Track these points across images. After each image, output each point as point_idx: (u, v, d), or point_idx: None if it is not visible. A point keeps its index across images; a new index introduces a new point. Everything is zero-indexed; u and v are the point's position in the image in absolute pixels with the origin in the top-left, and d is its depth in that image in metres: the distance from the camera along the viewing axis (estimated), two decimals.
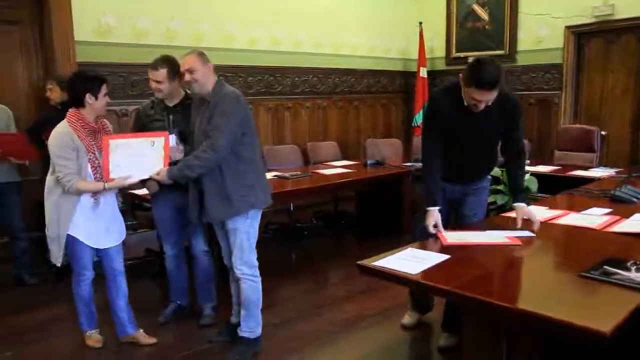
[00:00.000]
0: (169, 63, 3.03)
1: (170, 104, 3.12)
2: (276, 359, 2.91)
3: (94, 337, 3.05)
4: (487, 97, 2.44)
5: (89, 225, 2.80)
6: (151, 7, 4.93)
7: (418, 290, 2.91)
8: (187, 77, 2.70)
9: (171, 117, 3.09)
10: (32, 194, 4.22)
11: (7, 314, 3.48)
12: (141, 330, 3.06)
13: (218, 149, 2.62)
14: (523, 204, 2.64)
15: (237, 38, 5.57)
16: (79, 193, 2.73)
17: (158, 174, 2.77)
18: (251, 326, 2.91)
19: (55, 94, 3.95)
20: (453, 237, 2.42)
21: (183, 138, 3.01)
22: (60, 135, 2.70)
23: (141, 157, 2.78)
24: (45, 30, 4.47)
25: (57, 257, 2.82)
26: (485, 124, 2.60)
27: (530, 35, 6.37)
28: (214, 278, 3.38)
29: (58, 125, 2.75)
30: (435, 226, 2.55)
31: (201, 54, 2.75)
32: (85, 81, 2.76)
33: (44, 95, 4.10)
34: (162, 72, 3.00)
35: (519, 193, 2.72)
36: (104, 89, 2.75)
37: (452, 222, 2.90)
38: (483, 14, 6.73)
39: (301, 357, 2.93)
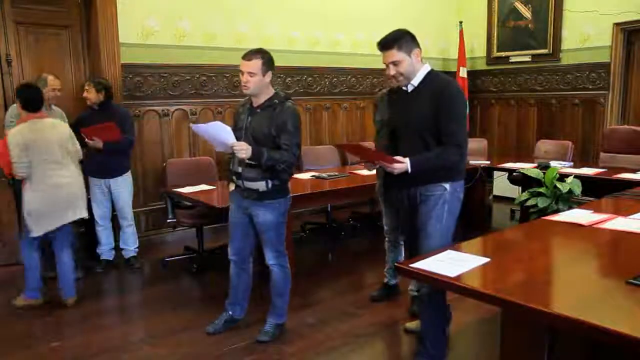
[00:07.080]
0: (264, 55, 2.77)
1: (255, 105, 2.85)
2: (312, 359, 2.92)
3: None
4: (387, 60, 2.59)
5: None
6: (191, 10, 5.03)
7: None
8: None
9: (249, 119, 2.84)
10: None
11: (55, 306, 3.61)
12: None
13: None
14: (407, 160, 2.49)
15: (275, 39, 5.61)
16: None
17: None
18: None
19: (91, 95, 4.09)
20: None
21: (259, 142, 2.77)
22: None
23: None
24: (92, 34, 4.64)
25: None
26: (418, 108, 2.57)
27: (575, 33, 6.17)
28: (285, 293, 3.11)
29: None
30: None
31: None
32: None
33: (80, 95, 4.29)
34: (257, 63, 2.72)
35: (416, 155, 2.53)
36: None
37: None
38: (526, 12, 6.57)
39: (337, 358, 2.93)
